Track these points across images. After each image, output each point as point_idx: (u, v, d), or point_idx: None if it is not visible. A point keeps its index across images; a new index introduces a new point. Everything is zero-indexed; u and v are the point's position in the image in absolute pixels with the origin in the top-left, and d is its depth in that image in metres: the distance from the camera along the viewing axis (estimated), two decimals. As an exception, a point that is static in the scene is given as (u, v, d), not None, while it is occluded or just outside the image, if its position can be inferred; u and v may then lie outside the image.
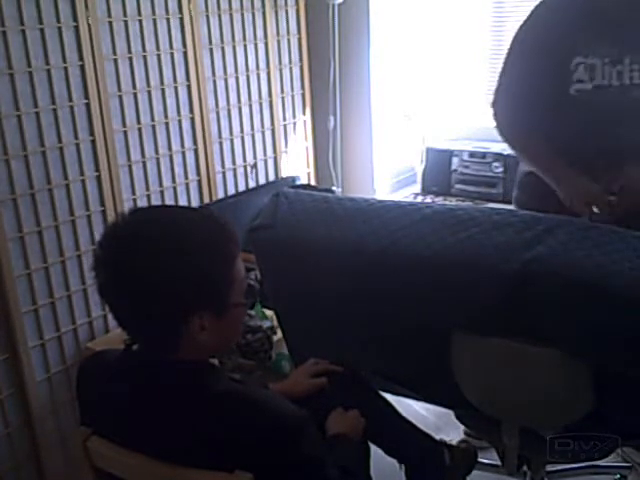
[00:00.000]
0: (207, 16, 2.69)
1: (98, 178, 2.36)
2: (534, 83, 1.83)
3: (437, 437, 1.80)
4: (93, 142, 2.33)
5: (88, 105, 2.30)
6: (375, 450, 1.65)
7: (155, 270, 1.08)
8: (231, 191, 2.90)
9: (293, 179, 3.12)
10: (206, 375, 1.17)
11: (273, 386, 1.60)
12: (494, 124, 1.95)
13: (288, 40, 3.07)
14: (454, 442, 1.90)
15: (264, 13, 2.92)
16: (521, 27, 1.89)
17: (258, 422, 1.11)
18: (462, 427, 2.27)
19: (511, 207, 2.10)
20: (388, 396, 1.77)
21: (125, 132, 2.44)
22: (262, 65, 2.95)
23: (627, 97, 1.78)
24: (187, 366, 1.15)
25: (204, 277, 1.11)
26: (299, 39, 3.11)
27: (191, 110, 2.66)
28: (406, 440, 1.71)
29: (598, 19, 1.78)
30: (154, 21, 2.49)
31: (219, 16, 2.74)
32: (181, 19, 2.58)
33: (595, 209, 1.80)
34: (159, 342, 1.15)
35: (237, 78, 2.85)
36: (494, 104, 1.95)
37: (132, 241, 1.12)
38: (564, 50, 1.78)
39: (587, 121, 1.81)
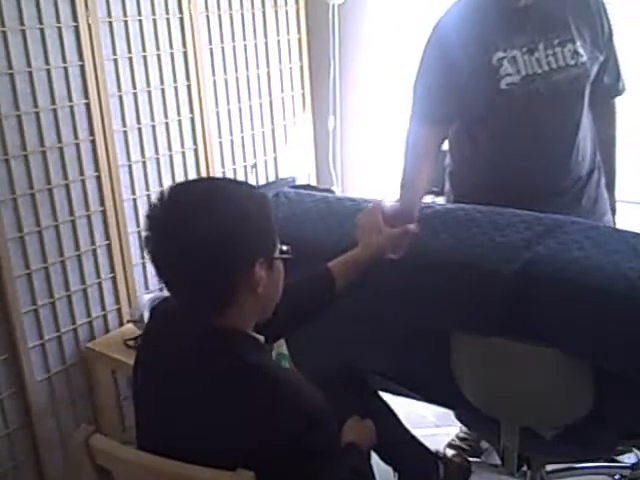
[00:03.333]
0: (207, 16, 2.69)
1: (98, 178, 2.36)
2: (461, 86, 1.79)
3: (433, 449, 1.80)
4: (93, 142, 2.33)
5: (88, 105, 2.30)
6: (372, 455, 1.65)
7: (215, 223, 1.12)
8: (231, 191, 2.90)
9: (293, 179, 3.12)
10: (246, 342, 1.20)
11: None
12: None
13: (288, 40, 3.07)
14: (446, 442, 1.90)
15: (264, 13, 2.93)
16: (431, 36, 1.87)
17: (282, 402, 1.11)
18: (456, 430, 2.27)
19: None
20: (388, 398, 1.77)
21: (125, 132, 2.44)
22: (262, 65, 2.95)
23: (550, 82, 1.78)
24: (230, 333, 1.18)
25: (258, 225, 1.18)
26: (299, 39, 3.11)
27: (191, 110, 2.66)
28: (403, 450, 1.71)
29: (509, 10, 1.78)
30: (154, 21, 2.49)
31: (219, 16, 2.74)
32: (181, 19, 2.58)
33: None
34: (215, 301, 1.17)
35: (237, 78, 2.85)
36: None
37: (184, 205, 1.15)
38: (485, 48, 1.78)
39: (522, 112, 1.80)
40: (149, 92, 2.51)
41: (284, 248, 1.26)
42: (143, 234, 1.18)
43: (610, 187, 2.03)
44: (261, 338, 1.25)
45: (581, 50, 1.80)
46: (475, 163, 1.92)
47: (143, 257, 2.49)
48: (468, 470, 1.83)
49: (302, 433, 1.10)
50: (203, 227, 1.11)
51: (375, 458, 1.67)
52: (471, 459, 2.00)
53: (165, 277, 1.17)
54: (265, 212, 1.21)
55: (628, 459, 2.03)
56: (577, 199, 1.90)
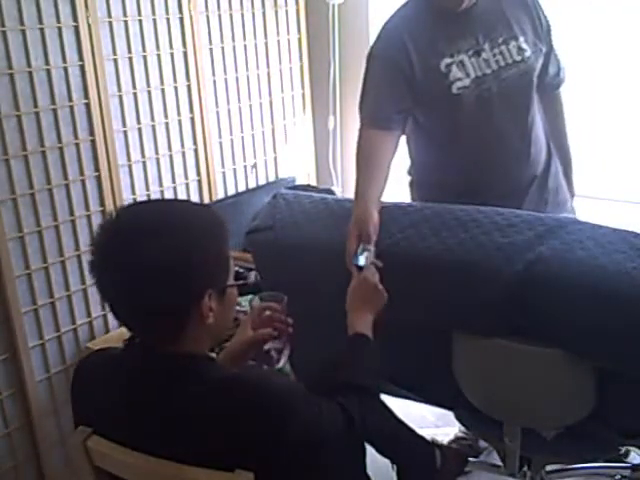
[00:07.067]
0: (207, 16, 2.69)
1: (98, 178, 2.36)
2: (413, 91, 1.80)
3: (429, 437, 1.79)
4: (93, 142, 2.33)
5: (88, 105, 2.30)
6: (368, 449, 1.64)
7: (163, 253, 1.08)
8: (231, 191, 2.90)
9: (293, 179, 3.12)
10: (203, 364, 1.18)
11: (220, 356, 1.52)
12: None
13: (288, 40, 3.07)
14: (446, 442, 1.89)
15: (264, 13, 2.92)
16: (375, 46, 1.87)
17: (257, 401, 1.10)
18: (456, 430, 2.27)
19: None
20: (387, 398, 1.77)
21: (125, 132, 2.44)
22: (262, 65, 2.95)
23: (500, 80, 1.80)
24: (186, 356, 1.16)
25: (208, 256, 1.14)
26: (299, 39, 3.11)
27: (191, 110, 2.66)
28: (399, 440, 1.70)
29: (450, 15, 1.79)
30: (154, 21, 2.49)
31: (219, 16, 2.74)
32: (181, 19, 2.58)
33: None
34: (166, 332, 1.14)
35: (237, 78, 2.85)
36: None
37: (132, 233, 1.12)
38: (431, 55, 1.78)
39: (476, 112, 1.81)
40: (149, 92, 2.51)
41: (240, 271, 1.23)
42: (88, 258, 1.14)
43: (567, 176, 2.05)
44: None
45: (525, 45, 1.82)
46: (434, 163, 1.94)
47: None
48: (466, 457, 1.82)
49: (282, 424, 1.08)
50: (147, 258, 1.08)
51: (371, 452, 1.66)
52: (470, 459, 2.00)
53: (110, 304, 1.15)
54: (217, 238, 1.17)
55: (628, 459, 2.03)
56: (539, 193, 1.93)
